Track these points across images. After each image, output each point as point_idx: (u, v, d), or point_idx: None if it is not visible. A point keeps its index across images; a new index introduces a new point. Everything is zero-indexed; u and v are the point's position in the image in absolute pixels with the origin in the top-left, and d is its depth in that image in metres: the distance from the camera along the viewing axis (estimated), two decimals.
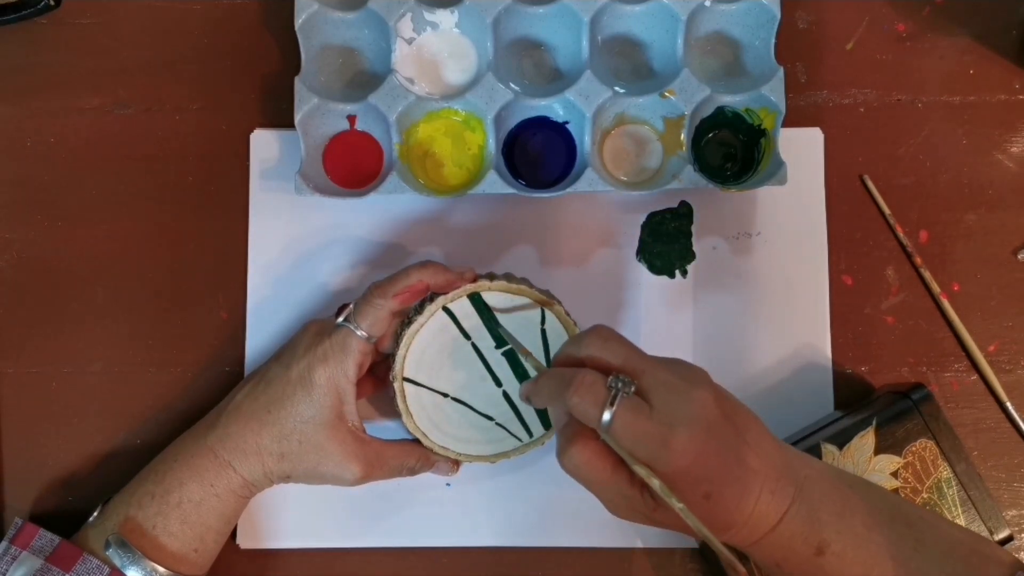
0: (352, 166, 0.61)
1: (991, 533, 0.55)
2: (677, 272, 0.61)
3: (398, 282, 0.54)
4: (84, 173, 0.62)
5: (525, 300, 0.56)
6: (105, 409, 0.60)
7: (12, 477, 0.60)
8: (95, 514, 0.53)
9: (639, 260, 0.62)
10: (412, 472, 0.56)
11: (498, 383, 0.56)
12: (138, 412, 0.60)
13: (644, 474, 0.43)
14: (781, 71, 0.59)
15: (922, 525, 0.47)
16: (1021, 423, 0.60)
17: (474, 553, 0.59)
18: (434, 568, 0.59)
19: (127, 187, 0.62)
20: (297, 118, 0.59)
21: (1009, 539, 0.56)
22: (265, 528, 0.59)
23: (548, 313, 0.56)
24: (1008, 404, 0.60)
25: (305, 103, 0.59)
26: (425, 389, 0.56)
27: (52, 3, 0.61)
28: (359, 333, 0.54)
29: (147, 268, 0.61)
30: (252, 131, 0.62)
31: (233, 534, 0.59)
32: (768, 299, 0.61)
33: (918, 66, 0.63)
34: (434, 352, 0.56)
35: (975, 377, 0.61)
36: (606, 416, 0.43)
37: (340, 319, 0.54)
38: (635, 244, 0.62)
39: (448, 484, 0.59)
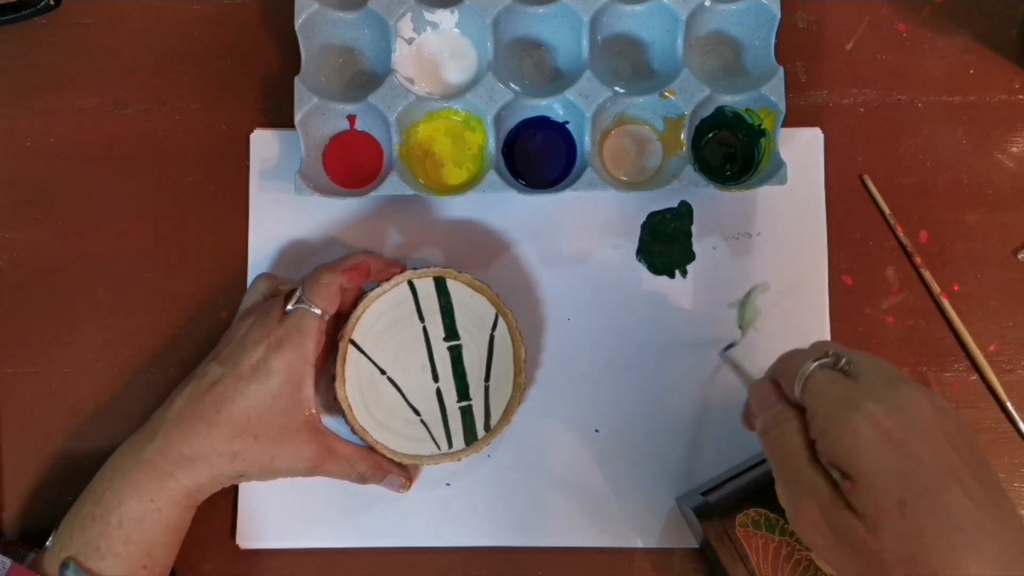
0: (352, 166, 0.61)
1: None
2: (677, 272, 0.61)
3: (344, 260, 0.56)
4: (84, 173, 0.62)
5: (484, 300, 0.57)
6: (105, 409, 0.60)
7: (12, 477, 0.60)
8: (50, 539, 0.53)
9: (639, 260, 0.62)
10: (362, 479, 0.56)
11: (435, 378, 0.57)
12: (138, 412, 0.60)
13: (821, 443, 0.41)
14: (781, 71, 0.59)
15: None
16: (1021, 423, 0.60)
17: (474, 553, 0.59)
18: (434, 568, 0.59)
19: (127, 187, 0.62)
20: (297, 118, 0.59)
21: None
22: (265, 528, 0.59)
23: (501, 320, 0.57)
24: (1008, 404, 0.60)
25: (305, 103, 0.59)
26: (365, 358, 0.56)
27: (52, 3, 0.61)
28: (315, 311, 0.54)
29: (147, 268, 0.61)
30: (252, 131, 0.62)
31: (233, 534, 0.59)
32: (768, 299, 0.61)
33: (918, 66, 0.63)
34: (387, 324, 0.57)
35: (975, 377, 0.61)
36: (810, 366, 0.43)
37: (291, 305, 0.54)
38: (635, 244, 0.62)
39: (448, 484, 0.59)
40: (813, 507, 0.41)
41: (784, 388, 0.45)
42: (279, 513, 0.59)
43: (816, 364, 0.43)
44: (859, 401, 0.41)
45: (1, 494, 0.60)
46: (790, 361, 0.45)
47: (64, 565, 0.50)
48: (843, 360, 0.43)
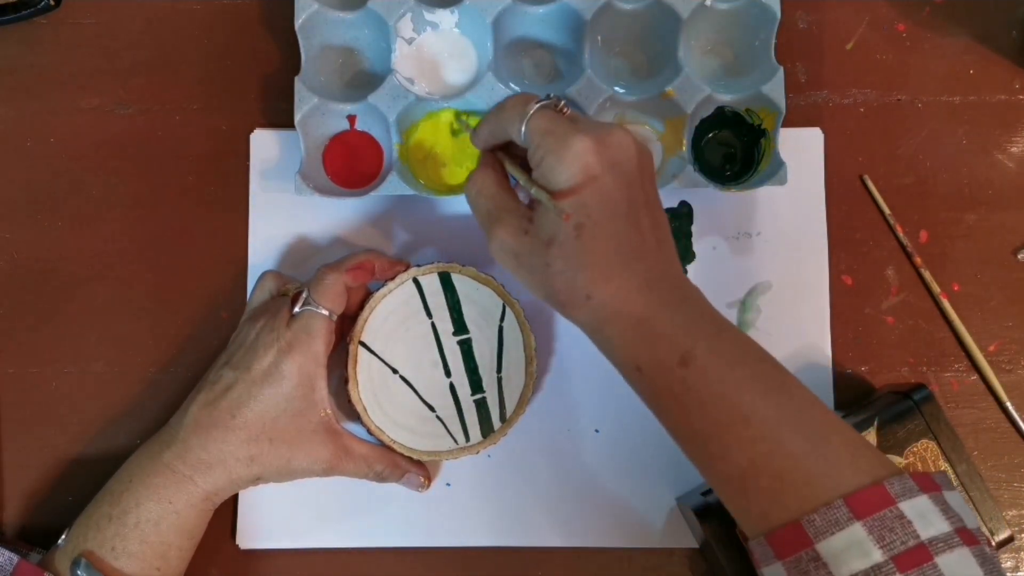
0: (352, 166, 0.61)
1: (992, 533, 0.55)
2: None
3: (347, 260, 0.56)
4: (84, 173, 0.62)
5: (490, 292, 0.57)
6: (105, 409, 0.60)
7: (12, 477, 0.60)
8: (63, 537, 0.53)
9: None
10: (380, 478, 0.56)
11: (448, 373, 0.57)
12: (139, 411, 0.60)
13: (521, 178, 0.49)
14: (781, 71, 0.59)
15: (796, 383, 0.46)
16: (1021, 423, 0.60)
17: (474, 553, 0.59)
18: (434, 568, 0.59)
19: (127, 187, 0.62)
20: (297, 118, 0.59)
21: (1010, 539, 0.56)
22: (265, 528, 0.59)
23: (508, 311, 0.57)
24: (1008, 404, 0.60)
25: (305, 103, 0.59)
26: (377, 359, 0.56)
27: (52, 3, 0.61)
28: (322, 312, 0.54)
29: (147, 268, 0.61)
30: (252, 131, 0.62)
31: (233, 534, 0.59)
32: (768, 299, 0.61)
33: (918, 66, 0.63)
34: (395, 322, 0.57)
35: (975, 377, 0.61)
36: (531, 108, 0.48)
37: (298, 307, 0.54)
38: None
39: (448, 484, 0.59)
40: (502, 232, 0.48)
41: (510, 131, 0.50)
42: (279, 513, 0.59)
43: (538, 105, 0.49)
44: (574, 134, 0.46)
45: (1, 494, 0.60)
46: (513, 106, 0.50)
47: (75, 563, 0.50)
48: (562, 103, 0.49)
